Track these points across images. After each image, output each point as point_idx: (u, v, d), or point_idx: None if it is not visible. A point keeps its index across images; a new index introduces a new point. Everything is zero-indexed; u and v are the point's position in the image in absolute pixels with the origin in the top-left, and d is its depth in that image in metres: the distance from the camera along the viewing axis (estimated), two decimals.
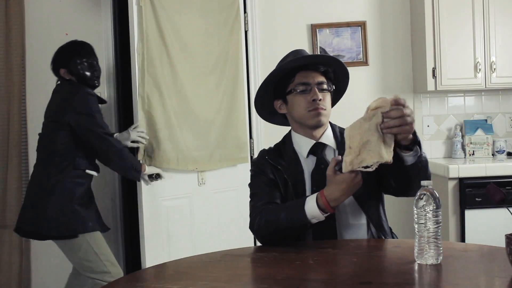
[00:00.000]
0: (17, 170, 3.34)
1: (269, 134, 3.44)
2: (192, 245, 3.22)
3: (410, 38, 3.76)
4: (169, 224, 3.14)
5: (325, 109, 1.80)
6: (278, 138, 1.96)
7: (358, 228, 1.77)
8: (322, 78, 1.83)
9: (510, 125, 3.79)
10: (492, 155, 3.65)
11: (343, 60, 3.05)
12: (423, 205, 1.38)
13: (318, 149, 1.83)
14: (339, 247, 1.68)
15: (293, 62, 1.81)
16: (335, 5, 3.74)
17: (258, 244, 1.81)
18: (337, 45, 3.72)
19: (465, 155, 3.68)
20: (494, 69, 3.48)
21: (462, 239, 3.22)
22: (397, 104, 1.47)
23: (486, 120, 3.73)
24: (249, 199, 1.85)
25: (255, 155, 3.47)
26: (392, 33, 3.77)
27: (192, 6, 3.24)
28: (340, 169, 1.57)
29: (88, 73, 2.75)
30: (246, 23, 3.63)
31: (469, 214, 3.21)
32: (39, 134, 2.79)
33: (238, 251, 1.71)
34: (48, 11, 3.49)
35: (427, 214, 1.37)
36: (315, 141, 1.84)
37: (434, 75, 3.48)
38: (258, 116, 2.03)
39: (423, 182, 1.40)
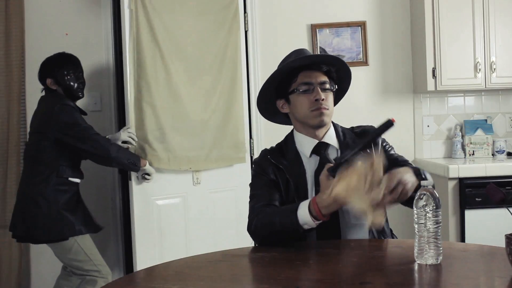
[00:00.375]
0: (16, 169, 3.34)
1: (269, 134, 3.44)
2: (185, 245, 3.23)
3: (410, 38, 3.76)
4: (161, 223, 3.16)
5: (327, 109, 1.80)
6: (278, 138, 1.96)
7: (360, 228, 1.76)
8: (324, 78, 1.83)
9: (510, 125, 3.79)
10: (492, 155, 3.65)
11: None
12: (423, 205, 1.38)
13: (321, 148, 1.83)
14: (339, 247, 1.68)
15: (296, 62, 1.81)
16: (335, 5, 3.74)
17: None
18: (337, 45, 3.72)
19: (465, 155, 3.68)
20: (494, 69, 3.48)
21: (462, 239, 3.22)
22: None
23: (486, 120, 3.73)
24: (249, 199, 1.85)
25: (255, 155, 3.49)
26: (392, 33, 3.77)
27: (188, 7, 3.26)
28: (333, 175, 1.57)
29: (74, 84, 2.87)
30: (246, 23, 3.63)
31: (469, 214, 3.21)
32: (25, 144, 2.94)
33: (238, 251, 1.71)
34: (48, 11, 3.49)
35: (427, 214, 1.37)
36: (318, 141, 1.83)
37: (434, 75, 3.48)
38: (258, 116, 2.04)
39: (423, 182, 1.40)
